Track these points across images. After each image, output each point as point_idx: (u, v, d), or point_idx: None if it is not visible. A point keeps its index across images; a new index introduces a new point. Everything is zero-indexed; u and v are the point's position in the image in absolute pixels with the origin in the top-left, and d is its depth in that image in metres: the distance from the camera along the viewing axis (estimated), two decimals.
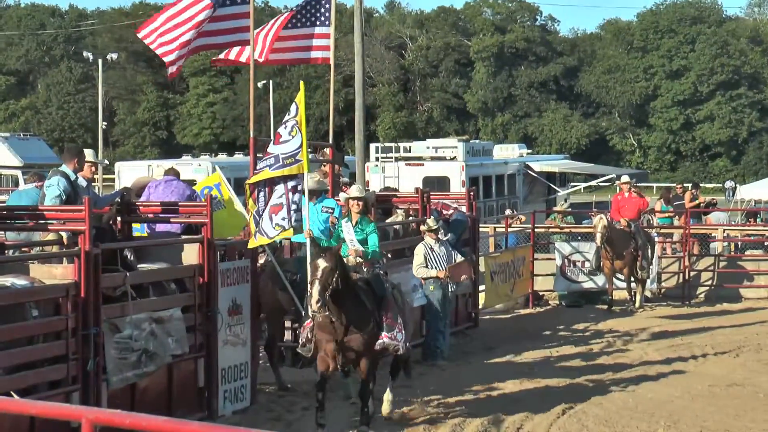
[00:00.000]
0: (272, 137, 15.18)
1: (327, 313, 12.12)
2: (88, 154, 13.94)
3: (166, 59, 16.08)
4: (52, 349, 11.12)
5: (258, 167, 14.55)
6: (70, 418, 6.63)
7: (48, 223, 12.40)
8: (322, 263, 11.97)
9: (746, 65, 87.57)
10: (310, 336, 12.63)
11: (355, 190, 14.15)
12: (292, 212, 14.18)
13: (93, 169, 13.94)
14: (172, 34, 15.99)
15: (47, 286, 11.33)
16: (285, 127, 14.42)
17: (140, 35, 16.47)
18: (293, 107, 14.65)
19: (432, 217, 18.16)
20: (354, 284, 12.50)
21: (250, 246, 14.26)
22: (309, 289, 12.24)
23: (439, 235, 17.56)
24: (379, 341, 12.60)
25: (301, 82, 15.43)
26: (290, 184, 14.29)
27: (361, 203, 13.62)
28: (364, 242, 13.30)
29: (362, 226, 13.43)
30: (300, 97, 14.56)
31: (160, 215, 14.01)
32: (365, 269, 13.10)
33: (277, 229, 14.03)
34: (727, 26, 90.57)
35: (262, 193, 14.28)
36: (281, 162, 14.20)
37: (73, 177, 13.06)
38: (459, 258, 17.79)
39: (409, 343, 13.33)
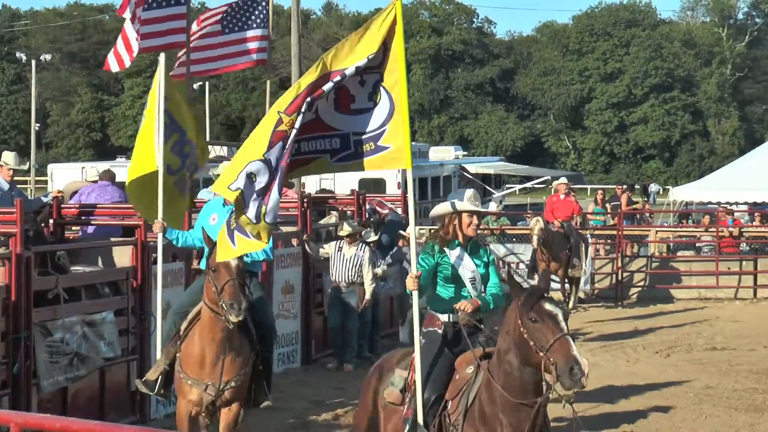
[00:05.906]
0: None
1: None
2: (9, 157, 13.83)
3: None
4: None
5: (289, 151, 7.99)
6: None
7: None
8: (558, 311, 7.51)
9: (679, 68, 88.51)
10: None
11: (468, 200, 8.38)
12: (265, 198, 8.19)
13: (11, 172, 13.84)
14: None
15: None
16: (361, 83, 8.16)
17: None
18: (374, 39, 8.02)
19: (353, 221, 17.15)
20: None
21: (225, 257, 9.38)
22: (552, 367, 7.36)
23: (366, 240, 16.70)
24: None
25: None
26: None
27: (480, 220, 8.64)
28: (485, 280, 8.56)
29: (479, 254, 8.56)
30: (392, 15, 8.12)
31: (93, 218, 13.95)
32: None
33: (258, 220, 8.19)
34: (661, 30, 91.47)
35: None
36: (353, 148, 8.24)
37: None
38: (368, 276, 16.43)
39: None
